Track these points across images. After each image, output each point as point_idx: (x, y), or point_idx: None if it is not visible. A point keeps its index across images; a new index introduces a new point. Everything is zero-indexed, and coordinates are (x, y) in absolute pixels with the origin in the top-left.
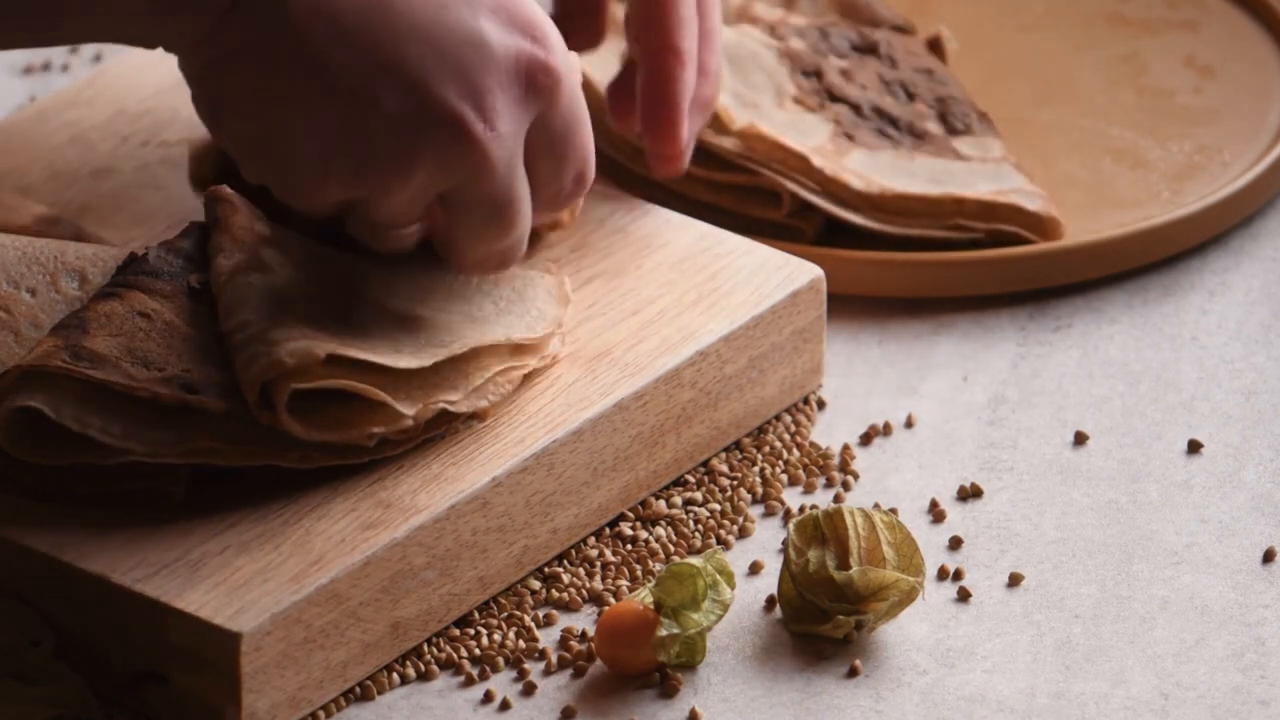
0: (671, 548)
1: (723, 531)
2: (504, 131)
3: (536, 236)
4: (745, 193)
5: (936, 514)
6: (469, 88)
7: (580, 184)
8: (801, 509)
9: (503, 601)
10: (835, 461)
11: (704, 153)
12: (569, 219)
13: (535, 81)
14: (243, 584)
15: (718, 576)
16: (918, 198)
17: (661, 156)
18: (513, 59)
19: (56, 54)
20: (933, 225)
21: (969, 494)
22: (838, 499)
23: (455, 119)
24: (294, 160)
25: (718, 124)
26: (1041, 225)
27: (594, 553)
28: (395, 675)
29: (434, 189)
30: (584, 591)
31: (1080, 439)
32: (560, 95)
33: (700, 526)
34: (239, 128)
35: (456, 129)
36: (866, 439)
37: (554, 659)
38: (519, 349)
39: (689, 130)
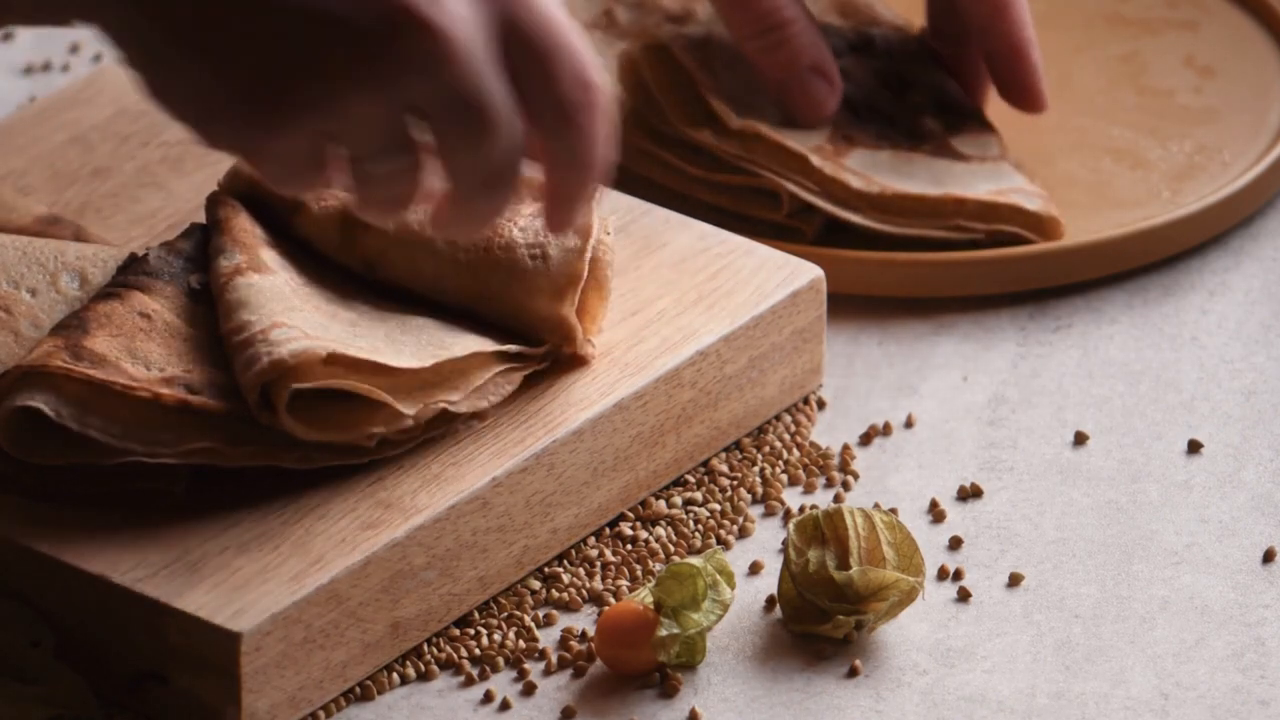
0: (671, 548)
1: (723, 531)
2: (453, 10)
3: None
4: (745, 193)
5: (936, 514)
6: None
7: (587, 90)
8: (801, 509)
9: (503, 601)
10: (835, 461)
11: (704, 153)
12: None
13: None
14: (242, 584)
15: (718, 576)
16: (917, 198)
17: (1032, 104)
18: None
19: (56, 54)
20: (933, 225)
21: (969, 494)
22: (838, 499)
23: (402, 8)
24: (258, 97)
25: (717, 124)
26: (1041, 225)
27: (594, 553)
28: (395, 675)
29: (405, 98)
30: (584, 591)
31: (1080, 439)
32: None
33: (700, 526)
34: (187, 80)
35: (407, 18)
36: (866, 439)
37: (554, 659)
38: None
39: None
